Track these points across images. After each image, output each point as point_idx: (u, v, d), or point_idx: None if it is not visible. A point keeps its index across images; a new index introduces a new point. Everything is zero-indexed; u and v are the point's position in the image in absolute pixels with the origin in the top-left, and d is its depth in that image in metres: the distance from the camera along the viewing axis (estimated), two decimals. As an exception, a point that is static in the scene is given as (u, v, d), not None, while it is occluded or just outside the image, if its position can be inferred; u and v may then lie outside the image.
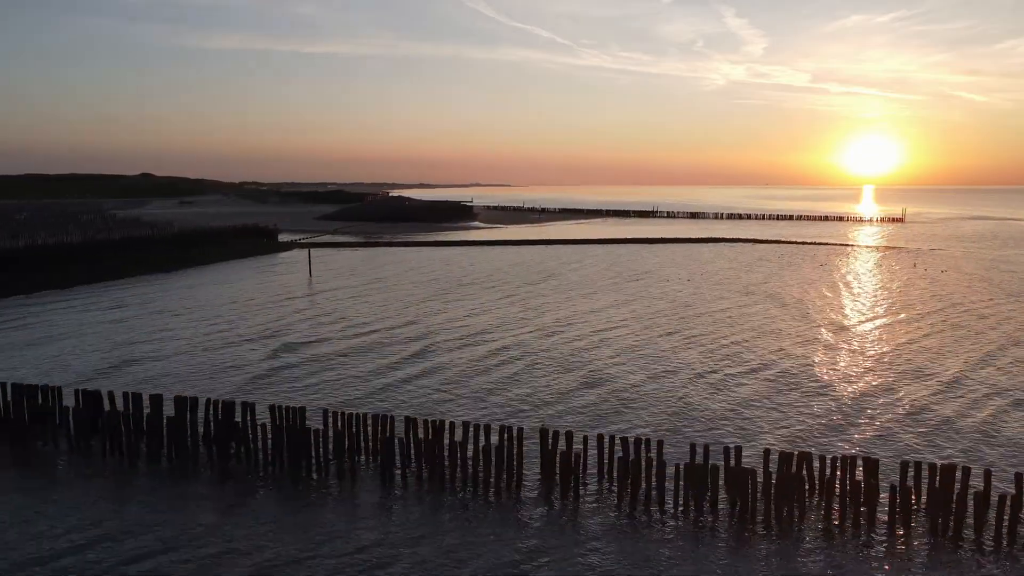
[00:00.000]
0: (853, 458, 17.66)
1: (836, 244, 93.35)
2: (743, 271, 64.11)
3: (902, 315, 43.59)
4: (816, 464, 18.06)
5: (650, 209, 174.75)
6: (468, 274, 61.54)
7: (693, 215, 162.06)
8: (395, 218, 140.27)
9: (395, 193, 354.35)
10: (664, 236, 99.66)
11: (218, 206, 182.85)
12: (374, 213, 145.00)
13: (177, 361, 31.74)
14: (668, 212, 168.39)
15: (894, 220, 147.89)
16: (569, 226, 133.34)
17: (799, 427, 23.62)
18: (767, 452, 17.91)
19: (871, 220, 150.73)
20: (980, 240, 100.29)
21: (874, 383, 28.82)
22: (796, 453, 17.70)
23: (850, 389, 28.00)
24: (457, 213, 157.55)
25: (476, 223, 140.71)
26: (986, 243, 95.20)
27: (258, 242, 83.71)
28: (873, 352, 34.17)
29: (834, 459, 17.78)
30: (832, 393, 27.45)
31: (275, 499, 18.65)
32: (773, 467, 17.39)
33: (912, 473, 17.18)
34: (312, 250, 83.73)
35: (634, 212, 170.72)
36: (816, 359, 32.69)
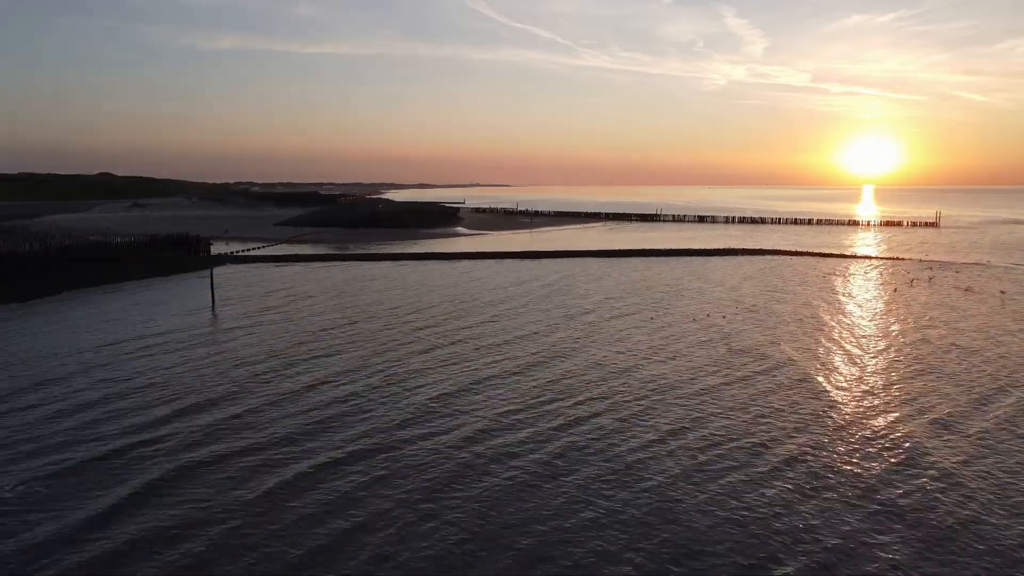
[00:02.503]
0: None
1: (878, 258, 77.70)
2: (751, 299, 48.61)
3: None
4: None
5: (653, 212, 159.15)
6: (394, 305, 45.73)
7: (701, 219, 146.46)
8: (368, 223, 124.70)
9: (393, 194, 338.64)
10: (672, 248, 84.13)
11: (173, 209, 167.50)
12: (345, 218, 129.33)
13: None
14: (673, 216, 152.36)
15: (927, 224, 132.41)
16: (561, 232, 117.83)
17: None
18: None
19: (902, 224, 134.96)
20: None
21: None
22: None
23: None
24: (439, 217, 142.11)
25: (459, 228, 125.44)
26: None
27: (177, 257, 68.31)
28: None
29: None
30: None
31: None
32: None
33: None
34: (247, 265, 68.69)
35: (635, 216, 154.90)
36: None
